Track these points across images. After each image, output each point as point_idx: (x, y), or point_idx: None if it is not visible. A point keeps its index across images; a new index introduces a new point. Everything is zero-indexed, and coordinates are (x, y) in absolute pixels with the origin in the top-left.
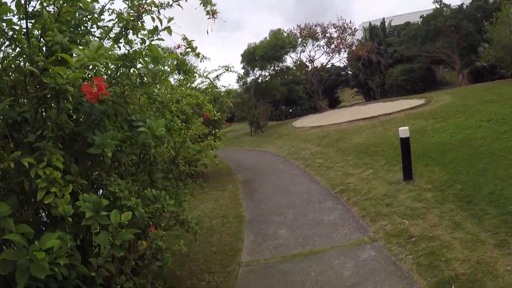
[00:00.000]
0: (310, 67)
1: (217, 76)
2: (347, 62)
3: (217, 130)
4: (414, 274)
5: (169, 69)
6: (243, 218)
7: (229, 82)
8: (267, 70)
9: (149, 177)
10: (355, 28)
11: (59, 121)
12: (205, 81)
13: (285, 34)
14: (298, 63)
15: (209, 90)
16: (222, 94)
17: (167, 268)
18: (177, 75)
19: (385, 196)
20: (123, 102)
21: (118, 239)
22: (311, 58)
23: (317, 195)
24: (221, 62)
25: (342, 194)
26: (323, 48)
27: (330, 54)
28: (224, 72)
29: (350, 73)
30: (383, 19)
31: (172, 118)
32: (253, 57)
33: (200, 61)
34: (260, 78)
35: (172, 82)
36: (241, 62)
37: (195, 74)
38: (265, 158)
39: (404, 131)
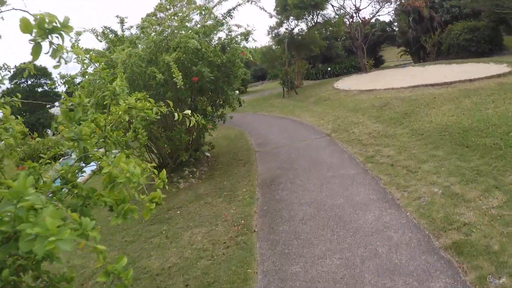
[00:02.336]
0: (354, 19)
1: (229, 12)
2: (394, 16)
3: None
4: None
5: None
6: None
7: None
8: (305, 20)
9: None
10: None
11: None
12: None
13: None
14: (342, 12)
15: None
16: (238, 39)
17: None
18: None
19: None
20: None
21: None
22: (357, 8)
23: (406, 247)
24: (247, 16)
25: (462, 257)
26: None
27: (380, 4)
28: (241, 3)
29: (397, 29)
30: None
31: None
32: (286, 4)
33: None
34: (296, 29)
35: None
36: (274, 10)
37: None
38: (301, 134)
39: None
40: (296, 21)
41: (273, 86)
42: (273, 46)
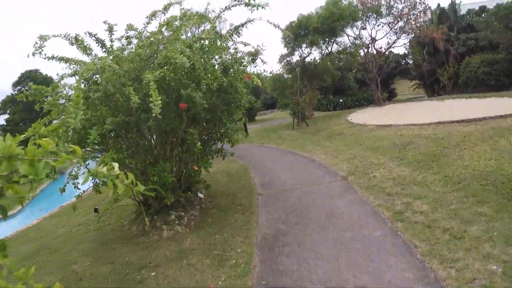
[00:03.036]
0: (370, 49)
1: (236, 29)
2: (408, 48)
3: None
4: None
5: None
6: None
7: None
8: (320, 47)
9: None
10: (428, 5)
11: None
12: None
13: (344, 3)
14: (358, 41)
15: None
16: (245, 61)
17: None
18: None
19: None
20: None
21: None
22: (372, 38)
23: None
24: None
25: None
26: (388, 26)
27: (397, 34)
28: (251, 20)
29: (410, 62)
30: (453, 0)
31: None
32: (302, 30)
33: None
34: (309, 57)
35: None
36: (281, 41)
37: None
38: (313, 174)
39: None
40: (309, 49)
41: (282, 115)
42: (284, 75)
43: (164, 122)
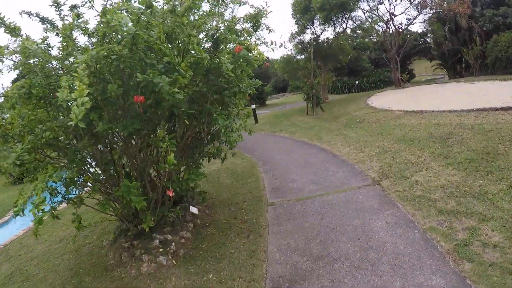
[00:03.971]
0: (389, 26)
1: None
2: (428, 26)
3: None
4: None
5: None
6: None
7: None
8: (332, 25)
9: None
10: None
11: None
12: None
13: None
14: (375, 16)
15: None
16: (243, 34)
17: None
18: None
19: None
20: None
21: None
22: (391, 14)
23: None
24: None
25: None
26: (408, 0)
27: (418, 10)
28: None
29: (429, 40)
30: None
31: None
32: (308, 7)
33: None
34: (322, 36)
35: None
36: (292, 17)
37: None
38: (335, 175)
39: None
40: (322, 26)
41: (294, 99)
42: (297, 56)
43: (122, 123)
